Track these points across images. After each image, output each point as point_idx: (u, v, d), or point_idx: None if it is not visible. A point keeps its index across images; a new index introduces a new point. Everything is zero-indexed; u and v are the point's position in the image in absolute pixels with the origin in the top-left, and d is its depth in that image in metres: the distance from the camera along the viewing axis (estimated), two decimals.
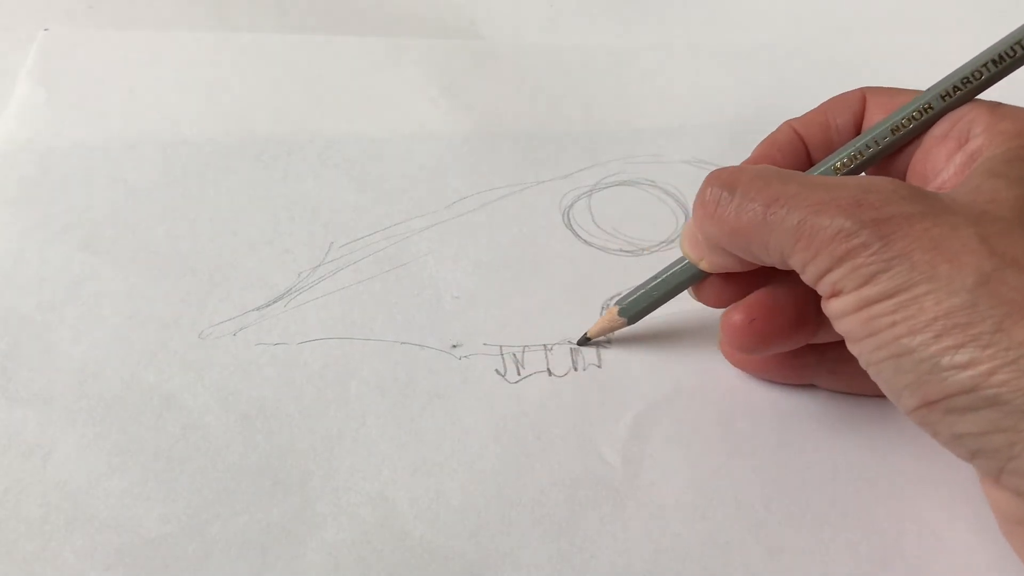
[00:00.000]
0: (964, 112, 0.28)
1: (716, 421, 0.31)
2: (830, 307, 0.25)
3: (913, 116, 0.29)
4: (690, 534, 0.28)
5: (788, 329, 0.29)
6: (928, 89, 0.29)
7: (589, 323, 0.34)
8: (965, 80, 0.28)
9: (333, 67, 0.45)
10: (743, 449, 0.31)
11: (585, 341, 0.34)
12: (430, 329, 0.34)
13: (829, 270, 0.24)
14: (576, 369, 0.33)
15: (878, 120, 0.29)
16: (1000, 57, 0.28)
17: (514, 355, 0.33)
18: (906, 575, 0.27)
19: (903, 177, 0.29)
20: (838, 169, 0.29)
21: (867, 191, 0.24)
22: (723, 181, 0.27)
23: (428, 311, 0.34)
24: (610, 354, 0.33)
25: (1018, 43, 0.27)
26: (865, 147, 0.29)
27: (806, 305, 0.29)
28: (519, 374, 0.33)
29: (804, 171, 0.29)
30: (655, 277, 0.32)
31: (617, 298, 0.33)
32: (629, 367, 0.33)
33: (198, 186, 0.38)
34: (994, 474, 0.23)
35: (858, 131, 0.31)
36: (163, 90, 0.42)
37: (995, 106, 0.28)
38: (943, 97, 0.28)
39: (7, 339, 0.32)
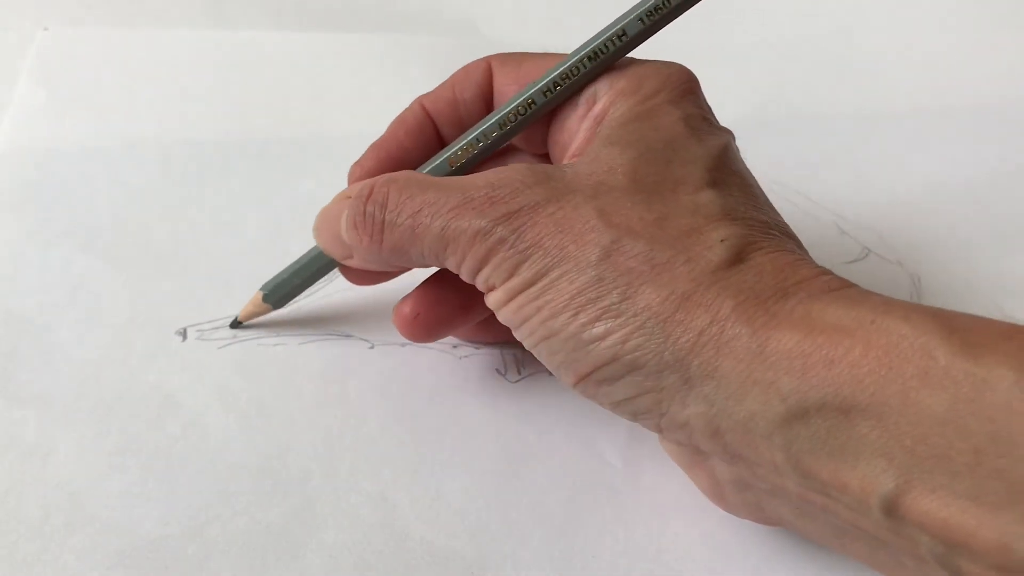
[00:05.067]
0: None
1: None
2: (489, 301, 0.26)
3: (519, 111, 0.28)
4: (691, 534, 0.28)
5: (457, 315, 0.30)
6: (541, 79, 0.28)
7: None
8: (566, 75, 0.27)
9: (333, 65, 0.45)
10: None
11: (237, 324, 0.33)
12: None
13: (479, 269, 0.25)
14: None
15: (508, 91, 0.29)
16: (596, 53, 0.27)
17: (515, 355, 0.33)
18: None
19: (544, 144, 0.30)
20: (452, 163, 0.29)
21: (497, 187, 0.25)
22: (373, 199, 0.27)
23: None
24: None
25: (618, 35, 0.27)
26: (475, 141, 0.28)
27: (471, 289, 0.28)
28: (519, 373, 0.33)
29: (436, 150, 0.30)
30: (298, 261, 0.32)
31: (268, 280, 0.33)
32: None
33: (198, 186, 0.38)
34: (656, 431, 0.25)
35: (487, 104, 0.30)
36: (163, 90, 0.42)
37: (617, 64, 0.28)
38: (545, 94, 0.28)
39: (7, 340, 0.32)
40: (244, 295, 0.34)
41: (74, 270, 0.35)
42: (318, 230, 0.30)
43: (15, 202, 0.37)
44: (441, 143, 0.31)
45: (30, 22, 0.44)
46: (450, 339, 0.33)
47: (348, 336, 0.33)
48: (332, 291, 0.35)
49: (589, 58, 0.27)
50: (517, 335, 0.26)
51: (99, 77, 0.42)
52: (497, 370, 0.33)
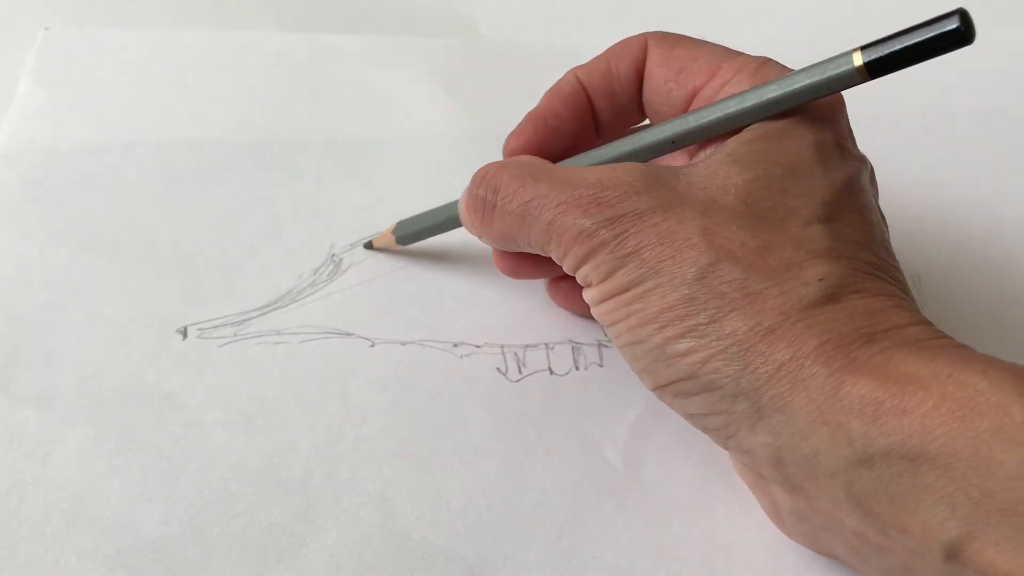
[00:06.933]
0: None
1: None
2: (586, 296, 0.27)
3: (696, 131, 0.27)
4: (692, 534, 0.28)
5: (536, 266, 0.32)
6: (722, 108, 0.27)
7: (593, 321, 0.34)
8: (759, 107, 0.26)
9: (333, 66, 0.45)
10: None
11: (369, 245, 0.36)
12: (431, 328, 0.34)
13: (578, 266, 0.26)
14: (578, 368, 0.33)
15: (657, 72, 0.29)
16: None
17: (515, 354, 0.33)
18: None
19: None
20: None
21: (606, 187, 0.25)
22: (486, 184, 0.28)
23: (430, 310, 0.34)
24: (612, 353, 0.33)
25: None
26: (648, 146, 0.28)
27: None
28: (520, 373, 0.33)
29: (588, 119, 0.31)
30: (434, 210, 0.33)
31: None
32: None
33: (198, 186, 0.38)
34: (723, 448, 0.26)
35: (639, 79, 0.30)
36: (163, 90, 0.42)
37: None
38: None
39: (8, 340, 0.32)
40: (244, 295, 0.34)
41: (75, 270, 0.35)
42: (462, 210, 0.30)
43: (16, 202, 0.37)
44: (592, 113, 0.31)
45: (30, 22, 0.44)
46: (450, 339, 0.33)
47: (348, 335, 0.33)
48: (333, 290, 0.35)
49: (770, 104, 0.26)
50: (607, 332, 0.26)
51: (99, 77, 0.42)
52: (498, 369, 0.33)
